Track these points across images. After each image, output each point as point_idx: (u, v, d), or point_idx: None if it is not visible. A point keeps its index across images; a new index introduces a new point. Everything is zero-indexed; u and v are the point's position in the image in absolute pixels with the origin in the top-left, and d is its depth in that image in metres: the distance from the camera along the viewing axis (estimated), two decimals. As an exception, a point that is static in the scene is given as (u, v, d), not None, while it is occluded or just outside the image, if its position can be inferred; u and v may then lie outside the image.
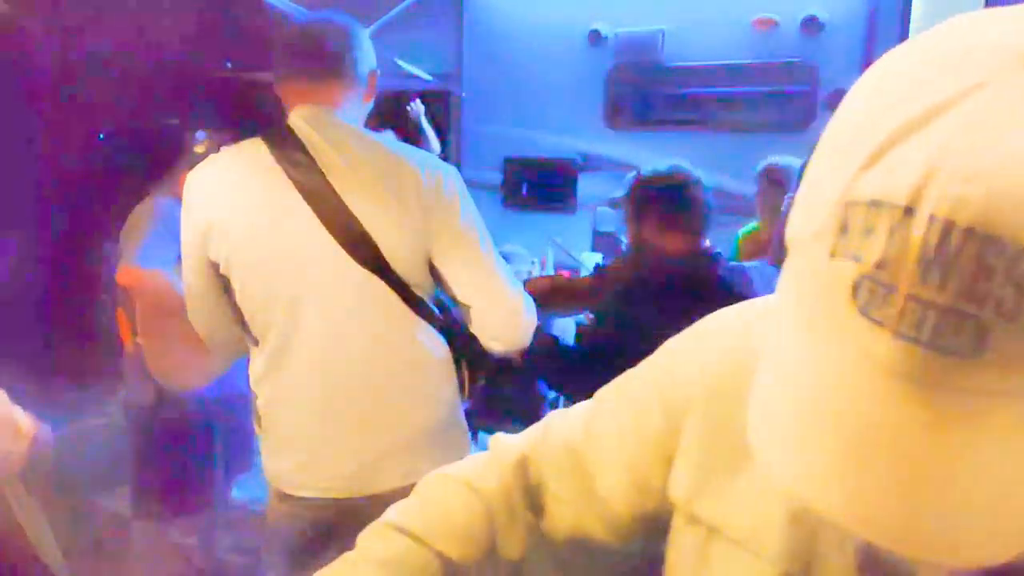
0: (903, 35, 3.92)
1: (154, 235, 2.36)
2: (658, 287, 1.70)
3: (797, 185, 1.91)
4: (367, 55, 1.52)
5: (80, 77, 5.40)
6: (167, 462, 2.57)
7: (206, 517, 2.87)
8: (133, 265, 2.30)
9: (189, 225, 1.47)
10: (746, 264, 1.83)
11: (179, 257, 2.37)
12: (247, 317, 1.48)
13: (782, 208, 2.19)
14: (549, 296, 1.94)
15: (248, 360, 2.57)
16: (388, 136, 3.12)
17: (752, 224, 3.06)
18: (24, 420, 1.21)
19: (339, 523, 1.53)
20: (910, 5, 3.94)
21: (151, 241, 2.34)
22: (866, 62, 3.96)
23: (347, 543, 1.56)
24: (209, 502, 2.78)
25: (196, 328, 1.61)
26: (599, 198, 4.70)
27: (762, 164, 2.88)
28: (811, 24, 4.14)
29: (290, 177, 1.38)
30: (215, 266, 1.46)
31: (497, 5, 5.16)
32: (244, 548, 3.15)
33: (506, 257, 3.68)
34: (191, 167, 2.50)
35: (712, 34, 4.44)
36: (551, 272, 4.66)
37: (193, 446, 2.60)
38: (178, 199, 2.48)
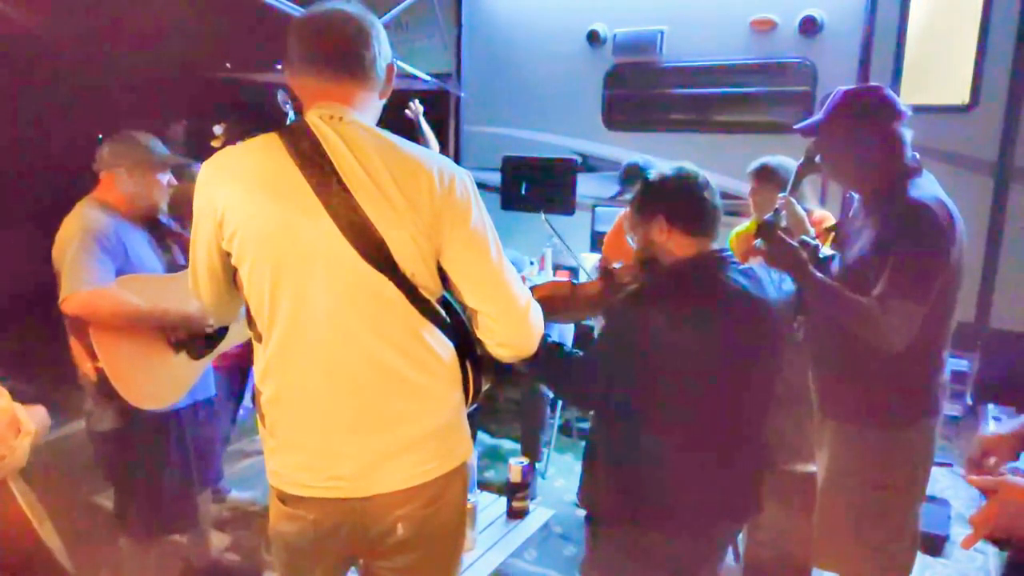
0: (902, 35, 3.93)
1: (89, 253, 2.20)
2: (667, 290, 1.70)
3: (793, 185, 1.92)
4: (384, 50, 1.47)
5: (79, 78, 5.41)
6: (145, 486, 2.44)
7: (193, 531, 2.74)
8: (76, 291, 2.15)
9: (204, 213, 1.45)
10: (753, 265, 1.83)
11: (118, 271, 2.24)
12: (253, 311, 1.48)
13: (775, 207, 2.20)
14: (558, 305, 1.94)
15: (211, 366, 2.53)
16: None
17: (745, 224, 3.05)
18: (25, 417, 1.23)
19: (341, 524, 1.52)
20: (909, 5, 3.95)
21: (89, 261, 2.19)
22: (865, 62, 3.98)
23: (349, 544, 1.56)
24: (193, 519, 2.63)
25: (200, 297, 1.57)
26: (598, 198, 4.71)
27: (754, 163, 2.89)
28: (810, 24, 4.14)
29: (303, 174, 1.37)
30: (227, 255, 1.47)
31: (496, 5, 5.17)
32: (243, 548, 3.16)
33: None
34: (109, 171, 2.34)
35: (711, 35, 4.45)
36: (550, 271, 4.68)
37: (167, 464, 2.46)
38: (103, 206, 2.34)
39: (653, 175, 1.78)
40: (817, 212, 2.82)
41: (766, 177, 2.81)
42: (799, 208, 2.43)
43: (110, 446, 2.40)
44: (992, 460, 1.48)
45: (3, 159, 5.33)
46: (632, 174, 3.69)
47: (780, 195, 2.25)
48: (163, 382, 2.29)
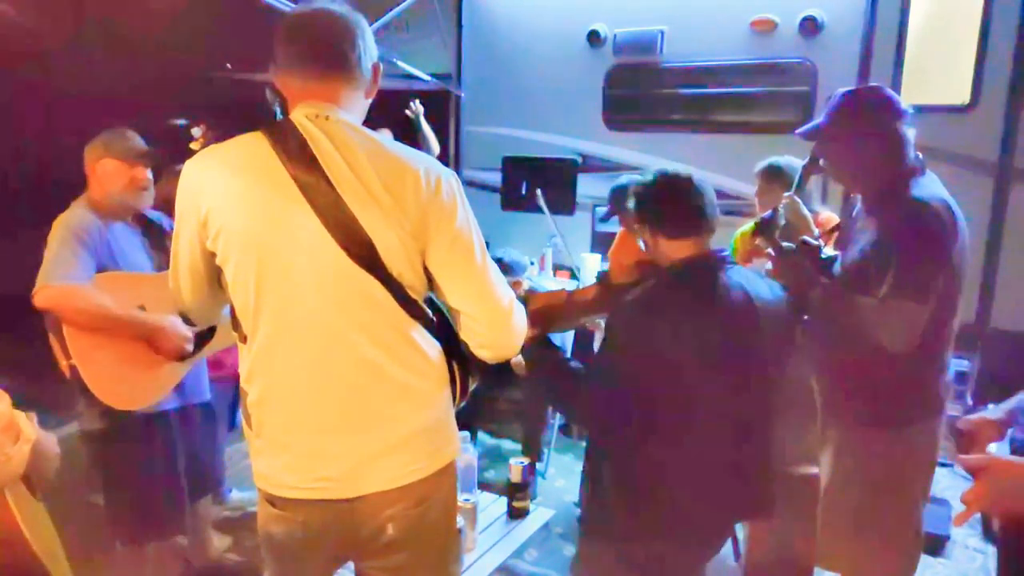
0: (902, 35, 3.92)
1: (67, 248, 2.19)
2: (663, 292, 1.70)
3: (798, 184, 1.92)
4: (370, 49, 1.47)
5: (75, 79, 5.40)
6: (130, 490, 2.39)
7: (179, 539, 2.60)
8: (46, 284, 2.12)
9: (187, 212, 1.44)
10: (750, 268, 1.83)
11: (97, 268, 2.21)
12: (238, 312, 1.47)
13: (779, 207, 2.19)
14: (556, 314, 1.94)
15: (205, 363, 2.49)
16: (386, 136, 3.13)
17: (749, 224, 3.05)
18: (26, 424, 1.21)
19: (330, 525, 1.51)
20: (909, 5, 3.95)
21: (64, 256, 2.17)
22: (865, 62, 3.98)
23: (339, 545, 1.56)
24: (179, 524, 2.52)
25: (181, 297, 1.56)
26: (598, 198, 4.71)
27: (762, 163, 2.88)
28: (810, 24, 4.14)
29: (289, 173, 1.37)
30: (211, 255, 1.45)
31: (496, 6, 5.17)
32: (244, 548, 3.15)
33: (510, 266, 3.66)
34: (91, 166, 2.31)
35: (711, 35, 4.45)
36: (550, 272, 4.68)
37: (154, 469, 2.40)
38: (93, 205, 2.33)
39: (648, 177, 1.79)
40: (823, 214, 2.81)
41: (773, 177, 2.79)
42: (804, 208, 2.42)
43: (97, 446, 2.38)
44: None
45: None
46: (619, 195, 3.61)
47: (785, 195, 2.24)
48: (141, 382, 2.23)
